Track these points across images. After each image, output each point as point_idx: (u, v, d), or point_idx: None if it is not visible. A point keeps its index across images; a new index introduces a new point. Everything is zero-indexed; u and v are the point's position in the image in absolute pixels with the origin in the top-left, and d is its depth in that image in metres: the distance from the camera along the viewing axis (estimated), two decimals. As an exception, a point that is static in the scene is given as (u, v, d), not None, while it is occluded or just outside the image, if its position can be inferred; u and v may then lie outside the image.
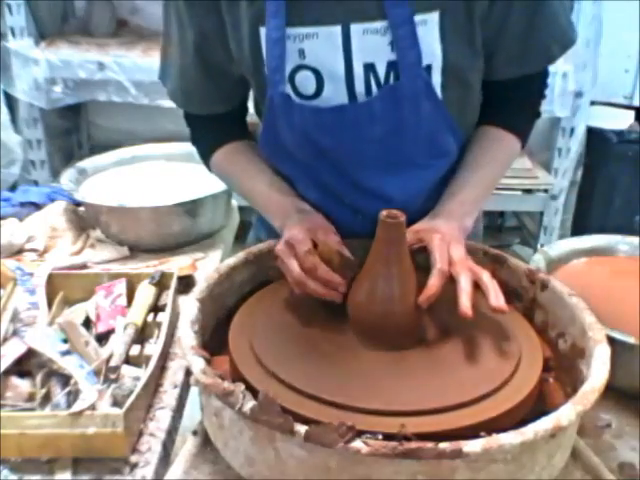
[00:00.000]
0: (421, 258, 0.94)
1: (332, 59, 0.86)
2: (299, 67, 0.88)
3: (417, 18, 0.82)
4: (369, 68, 0.86)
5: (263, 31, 0.86)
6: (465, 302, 0.74)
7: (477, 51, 0.88)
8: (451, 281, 0.82)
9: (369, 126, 0.88)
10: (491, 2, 0.84)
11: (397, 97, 0.86)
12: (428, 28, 0.83)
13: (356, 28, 0.83)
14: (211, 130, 1.06)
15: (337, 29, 0.84)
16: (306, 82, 0.88)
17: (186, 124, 1.10)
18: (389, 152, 0.91)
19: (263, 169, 1.01)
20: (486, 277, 0.78)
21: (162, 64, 1.03)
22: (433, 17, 0.82)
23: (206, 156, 1.07)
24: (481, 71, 0.92)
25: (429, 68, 0.85)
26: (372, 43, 0.84)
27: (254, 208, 1.05)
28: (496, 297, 0.75)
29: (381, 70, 0.86)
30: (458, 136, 0.94)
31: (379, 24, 0.83)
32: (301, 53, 0.86)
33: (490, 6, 0.84)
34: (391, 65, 0.85)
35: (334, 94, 0.88)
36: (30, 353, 0.88)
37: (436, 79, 0.86)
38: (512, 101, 0.97)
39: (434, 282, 0.77)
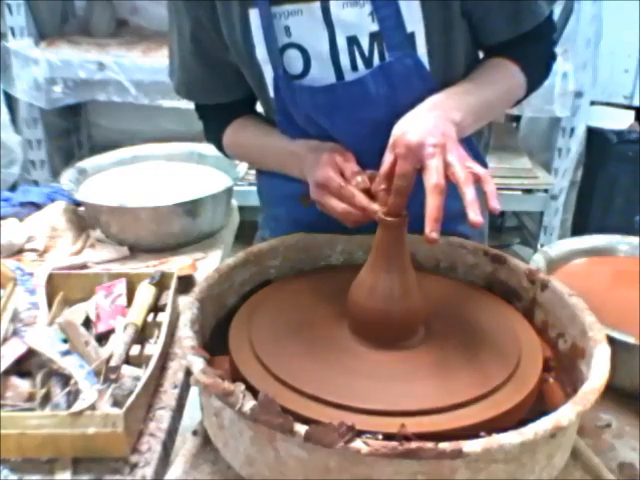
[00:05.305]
0: (421, 257, 0.95)
1: (316, 34, 0.87)
2: (286, 46, 0.89)
3: None
4: (352, 41, 0.87)
5: (252, 13, 0.87)
6: (473, 215, 0.68)
7: (456, 13, 0.87)
8: (448, 272, 0.81)
9: (362, 106, 0.88)
10: None
11: (388, 75, 0.86)
12: None
13: (335, 3, 0.85)
14: (220, 116, 1.07)
15: (317, 5, 0.85)
16: (293, 61, 0.89)
17: (198, 117, 1.10)
18: (386, 137, 0.88)
19: (271, 131, 1.00)
20: (490, 185, 0.71)
21: (169, 60, 1.04)
22: None
23: (218, 139, 1.08)
24: (464, 35, 0.91)
25: (412, 36, 0.85)
26: (352, 16, 0.85)
27: (271, 170, 1.04)
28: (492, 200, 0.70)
29: (364, 42, 0.87)
30: None
31: None
32: (287, 30, 0.88)
33: None
34: (374, 36, 0.86)
35: (321, 71, 0.89)
36: (30, 353, 0.88)
37: (421, 49, 0.86)
38: (517, 50, 0.94)
39: (431, 202, 0.69)
